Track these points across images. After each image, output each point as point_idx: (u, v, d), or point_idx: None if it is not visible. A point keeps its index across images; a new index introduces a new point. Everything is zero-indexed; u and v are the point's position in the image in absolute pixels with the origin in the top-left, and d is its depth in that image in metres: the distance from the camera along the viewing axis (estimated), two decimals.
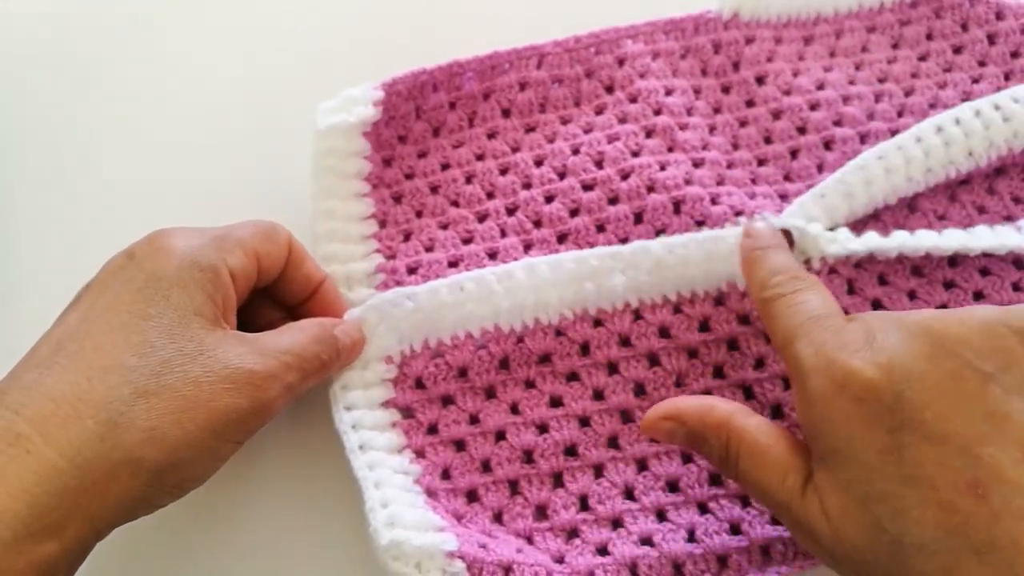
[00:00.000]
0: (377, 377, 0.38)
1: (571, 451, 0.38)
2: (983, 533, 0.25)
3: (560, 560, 0.35)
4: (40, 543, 0.28)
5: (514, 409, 0.38)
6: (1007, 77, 0.46)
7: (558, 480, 0.37)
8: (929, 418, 0.27)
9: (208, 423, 0.31)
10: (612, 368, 0.39)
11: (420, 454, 0.37)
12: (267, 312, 0.39)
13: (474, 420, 0.38)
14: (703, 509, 0.37)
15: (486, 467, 0.37)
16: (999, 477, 0.26)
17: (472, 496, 0.37)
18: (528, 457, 0.37)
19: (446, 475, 0.37)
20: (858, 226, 0.42)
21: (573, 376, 0.39)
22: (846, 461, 0.28)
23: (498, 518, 0.36)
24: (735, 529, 0.36)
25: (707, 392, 0.39)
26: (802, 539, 0.31)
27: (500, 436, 0.38)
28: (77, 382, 0.30)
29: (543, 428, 0.38)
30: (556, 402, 0.38)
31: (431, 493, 0.35)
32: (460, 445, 0.37)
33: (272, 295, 0.39)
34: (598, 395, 0.38)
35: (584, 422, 0.38)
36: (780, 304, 0.34)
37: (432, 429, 0.38)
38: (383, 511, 0.33)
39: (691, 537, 0.36)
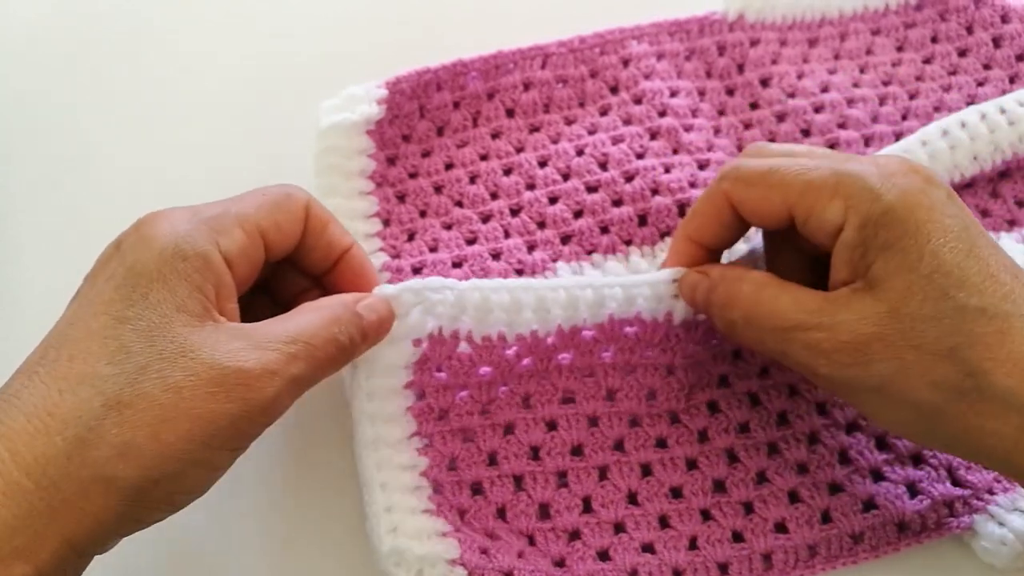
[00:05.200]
0: (402, 360, 0.35)
1: (577, 451, 0.37)
2: (1023, 300, 0.30)
3: (561, 563, 0.35)
4: (9, 566, 0.26)
5: (526, 403, 0.38)
6: (1012, 80, 0.46)
7: (562, 479, 0.37)
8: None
9: (191, 434, 0.27)
10: (628, 371, 0.38)
11: (428, 442, 0.36)
12: (294, 282, 0.36)
13: (484, 411, 0.37)
14: (706, 516, 0.37)
15: (492, 460, 0.37)
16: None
17: (477, 489, 0.36)
18: (535, 454, 0.37)
19: (452, 467, 0.36)
20: None
21: (590, 374, 0.38)
22: (916, 241, 0.30)
23: (502, 514, 0.36)
24: (737, 537, 0.36)
25: (713, 402, 0.38)
26: (815, 357, 0.31)
27: (508, 430, 0.37)
28: (49, 395, 0.28)
29: (552, 425, 0.37)
30: (568, 399, 0.38)
31: (437, 486, 0.35)
32: (469, 436, 0.37)
33: (296, 264, 0.36)
34: (610, 396, 0.38)
35: (593, 422, 0.38)
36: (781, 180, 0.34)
37: (443, 415, 0.36)
38: (386, 516, 0.33)
39: (693, 544, 0.36)
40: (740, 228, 0.37)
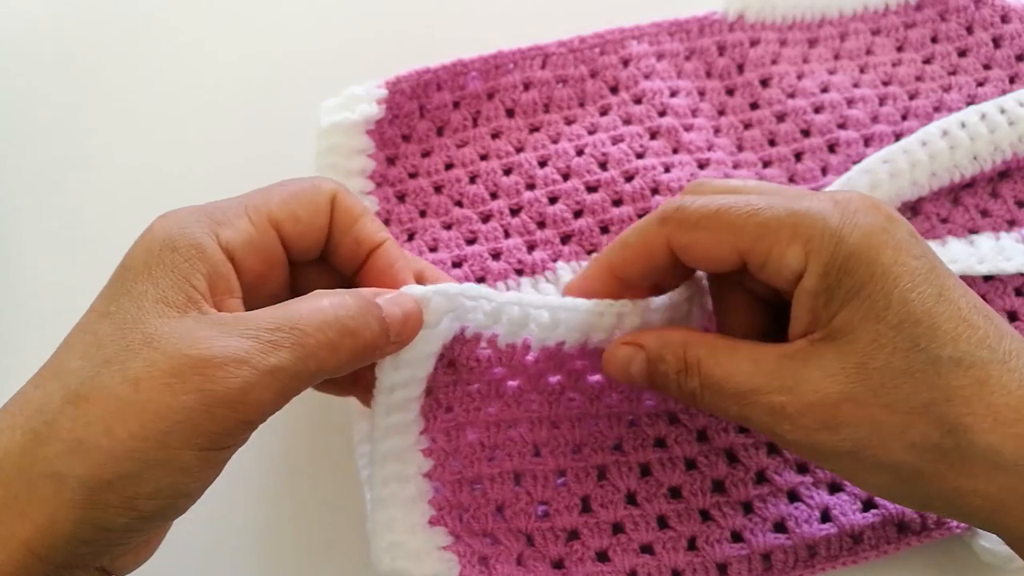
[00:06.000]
0: (427, 371, 0.32)
1: (576, 450, 0.37)
2: (1000, 344, 0.28)
3: (560, 564, 0.35)
4: None
5: (532, 402, 0.37)
6: (1012, 80, 0.46)
7: (561, 477, 0.37)
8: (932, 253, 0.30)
9: (143, 430, 0.25)
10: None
11: (433, 439, 0.34)
12: (323, 285, 0.32)
13: (489, 410, 0.35)
14: (705, 516, 0.37)
15: (493, 457, 0.37)
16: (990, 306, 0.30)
17: (477, 483, 0.36)
18: (536, 451, 0.37)
19: (453, 462, 0.35)
20: None
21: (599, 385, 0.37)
22: (883, 287, 0.28)
23: (500, 511, 0.36)
24: (736, 537, 0.36)
25: (703, 429, 0.38)
26: (778, 423, 0.29)
27: (512, 426, 0.36)
28: (26, 390, 0.27)
29: (555, 424, 0.37)
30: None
31: (438, 486, 0.35)
32: (472, 431, 0.35)
33: (329, 264, 0.33)
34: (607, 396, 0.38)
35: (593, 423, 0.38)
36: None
37: (449, 408, 0.35)
38: (386, 534, 0.32)
39: (692, 545, 0.36)
40: (674, 272, 0.34)
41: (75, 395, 0.25)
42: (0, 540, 0.25)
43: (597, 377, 0.37)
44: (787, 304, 0.32)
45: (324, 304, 0.28)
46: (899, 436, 0.28)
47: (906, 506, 0.31)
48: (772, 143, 0.45)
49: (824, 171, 0.44)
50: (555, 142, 0.44)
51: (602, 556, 0.36)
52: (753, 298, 0.34)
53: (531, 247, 0.42)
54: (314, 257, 0.32)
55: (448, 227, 0.42)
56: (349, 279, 0.33)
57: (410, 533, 0.32)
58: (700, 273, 0.35)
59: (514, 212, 0.42)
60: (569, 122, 0.45)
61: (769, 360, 0.30)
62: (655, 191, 0.42)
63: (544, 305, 0.33)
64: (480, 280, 0.41)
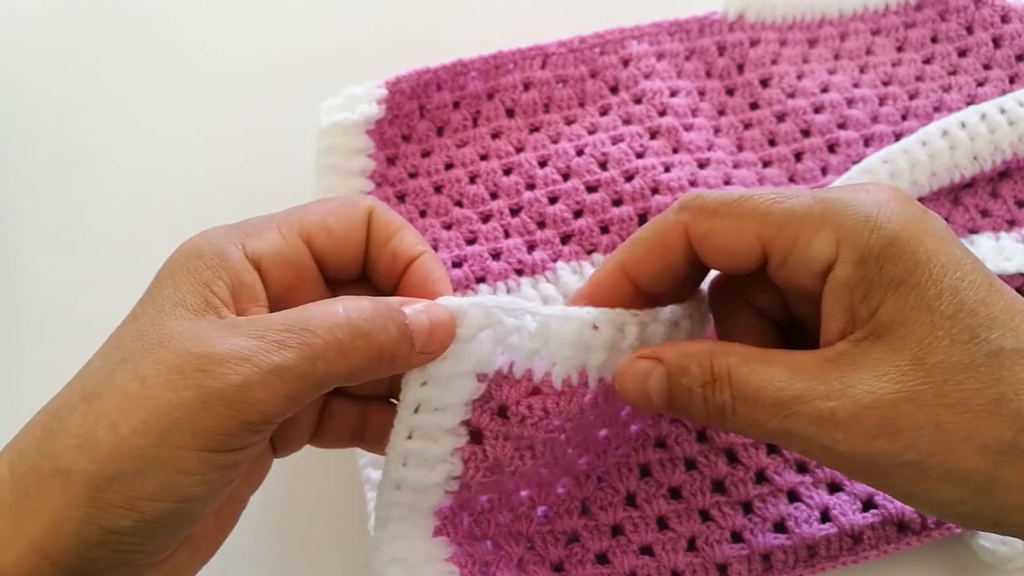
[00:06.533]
0: (461, 396, 0.29)
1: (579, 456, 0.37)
2: None
3: (559, 567, 0.35)
4: None
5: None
6: (1012, 80, 0.46)
7: (562, 481, 0.37)
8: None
9: (146, 426, 0.24)
10: None
11: (467, 486, 0.31)
12: None
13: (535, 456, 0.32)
14: (705, 516, 0.37)
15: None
16: None
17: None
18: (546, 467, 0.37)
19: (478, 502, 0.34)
20: None
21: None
22: (930, 275, 0.26)
23: (501, 515, 0.36)
24: (736, 537, 0.36)
25: (703, 429, 0.38)
26: (828, 432, 0.26)
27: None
28: (58, 393, 0.27)
29: (568, 445, 0.37)
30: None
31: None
32: (508, 475, 0.32)
33: (369, 282, 0.32)
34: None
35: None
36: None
37: (497, 467, 0.31)
38: (389, 551, 0.31)
39: (692, 546, 0.36)
40: (686, 274, 0.31)
41: (90, 393, 0.26)
42: (10, 539, 0.25)
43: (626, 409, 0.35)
44: (796, 322, 0.30)
45: (338, 307, 0.27)
46: (969, 438, 0.25)
47: (978, 528, 0.27)
48: (772, 143, 0.45)
49: (824, 171, 0.44)
50: (555, 142, 0.44)
51: (602, 558, 0.36)
52: (759, 315, 0.32)
53: (531, 247, 0.42)
54: (353, 275, 0.31)
55: (448, 227, 0.42)
56: (389, 295, 0.30)
57: (413, 550, 0.31)
58: (703, 289, 0.33)
59: (514, 212, 0.42)
60: (569, 122, 0.45)
61: (809, 365, 0.27)
62: (655, 191, 0.42)
63: (592, 319, 0.30)
64: (480, 280, 0.41)
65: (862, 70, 0.47)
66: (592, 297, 0.32)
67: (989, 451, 0.25)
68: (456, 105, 0.45)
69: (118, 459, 0.25)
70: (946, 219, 0.43)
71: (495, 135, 0.44)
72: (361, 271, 0.31)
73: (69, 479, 0.25)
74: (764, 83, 0.46)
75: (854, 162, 0.43)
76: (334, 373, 0.26)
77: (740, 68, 0.46)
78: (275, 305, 0.29)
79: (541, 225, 0.42)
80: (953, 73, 0.47)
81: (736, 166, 0.44)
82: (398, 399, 0.29)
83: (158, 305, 0.27)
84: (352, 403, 0.32)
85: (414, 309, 0.28)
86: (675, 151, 0.43)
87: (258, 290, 0.28)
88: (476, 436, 0.30)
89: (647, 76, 0.45)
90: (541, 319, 0.29)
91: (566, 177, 0.43)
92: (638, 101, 0.45)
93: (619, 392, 0.30)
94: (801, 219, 0.27)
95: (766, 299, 0.31)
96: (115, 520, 0.25)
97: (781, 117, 0.45)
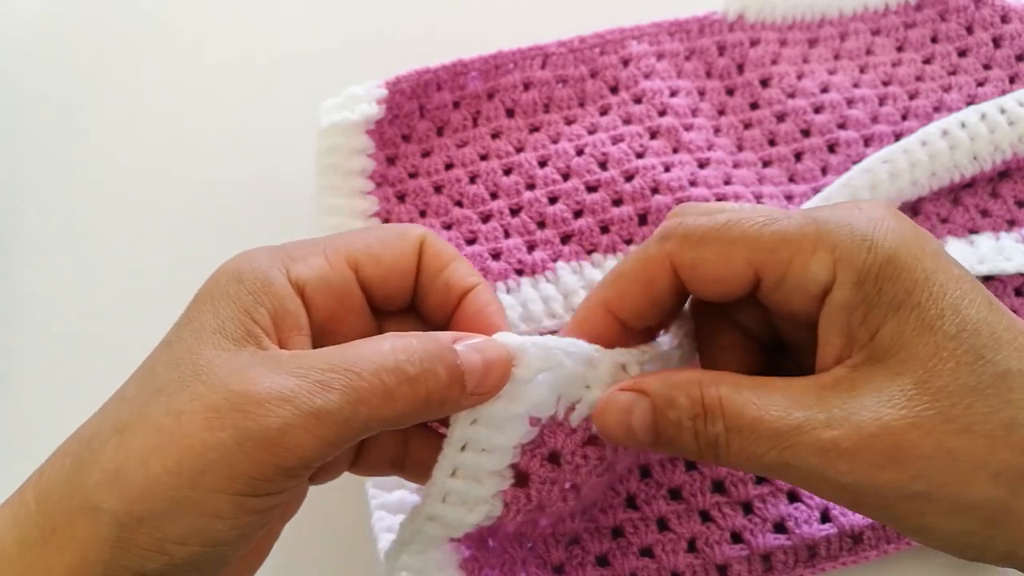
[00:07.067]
0: (512, 440, 0.28)
1: None
2: None
3: (560, 569, 0.35)
4: None
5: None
6: (1012, 80, 0.46)
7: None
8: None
9: (179, 466, 0.23)
10: None
11: (502, 526, 0.30)
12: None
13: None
14: (705, 517, 0.37)
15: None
16: None
17: None
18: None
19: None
20: None
21: None
22: (930, 294, 0.25)
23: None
24: (736, 538, 0.36)
25: None
26: (832, 464, 0.24)
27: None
28: (89, 419, 0.26)
29: None
30: None
31: None
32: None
33: (420, 315, 0.31)
34: None
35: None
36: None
37: (540, 508, 0.30)
38: (402, 557, 0.30)
39: (692, 546, 0.36)
40: (673, 305, 0.30)
41: (123, 425, 0.24)
42: (35, 575, 0.24)
43: None
44: (783, 343, 0.29)
45: (385, 347, 0.25)
46: (980, 466, 0.24)
47: (988, 562, 0.26)
48: (772, 143, 0.45)
49: (824, 171, 0.44)
50: (555, 142, 0.44)
51: (602, 560, 0.36)
52: (744, 336, 0.30)
53: (531, 247, 0.42)
54: (402, 305, 0.30)
55: (448, 227, 0.42)
56: (441, 329, 0.29)
57: (426, 560, 0.30)
58: (685, 311, 0.32)
59: (514, 212, 0.42)
60: (569, 122, 0.45)
61: (807, 393, 0.25)
62: (655, 191, 0.42)
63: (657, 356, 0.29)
64: None
65: (862, 70, 0.47)
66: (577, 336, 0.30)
67: (1001, 479, 0.24)
68: (456, 105, 0.45)
69: (148, 499, 0.23)
70: (946, 219, 0.43)
71: (495, 135, 0.44)
72: (410, 301, 0.30)
73: (97, 518, 0.23)
74: (764, 83, 0.46)
75: (854, 162, 0.43)
76: (377, 419, 0.25)
77: (740, 68, 0.46)
78: (318, 334, 0.28)
79: (541, 225, 0.42)
80: (953, 73, 0.47)
81: (736, 166, 0.44)
82: (446, 427, 0.28)
83: (195, 332, 0.26)
84: (394, 431, 0.30)
85: (467, 346, 0.26)
86: (675, 151, 0.43)
87: (301, 318, 0.27)
88: (521, 479, 0.29)
89: (647, 76, 0.45)
90: (604, 361, 0.28)
91: (566, 177, 0.43)
92: (638, 101, 0.45)
93: (600, 429, 0.28)
94: (794, 241, 0.26)
95: (751, 317, 0.30)
96: (142, 563, 0.24)
97: (781, 117, 0.45)
